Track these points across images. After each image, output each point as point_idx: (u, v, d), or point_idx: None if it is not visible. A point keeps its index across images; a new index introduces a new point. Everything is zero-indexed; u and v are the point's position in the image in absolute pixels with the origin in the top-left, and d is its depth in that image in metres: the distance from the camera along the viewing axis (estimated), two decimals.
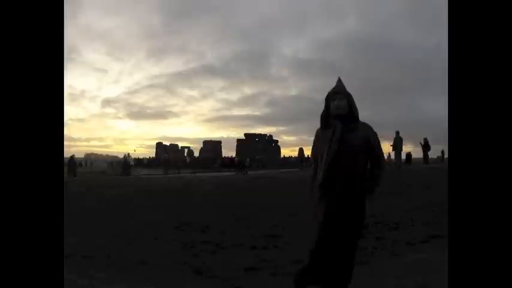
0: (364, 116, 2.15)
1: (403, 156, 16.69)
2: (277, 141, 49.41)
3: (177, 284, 2.78)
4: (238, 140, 47.07)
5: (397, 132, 13.50)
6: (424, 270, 2.62)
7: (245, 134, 47.45)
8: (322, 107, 2.15)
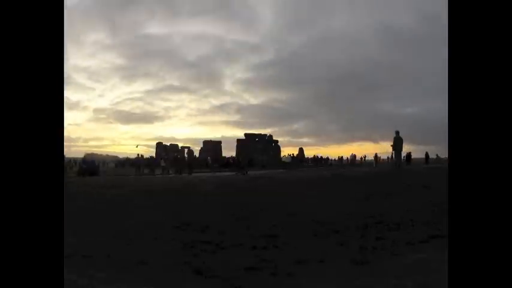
0: None
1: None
2: (277, 141, 49.39)
3: (177, 284, 2.78)
4: (238, 140, 47.03)
5: (397, 132, 13.45)
6: (424, 270, 2.62)
7: (245, 134, 47.42)
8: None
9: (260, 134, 48.26)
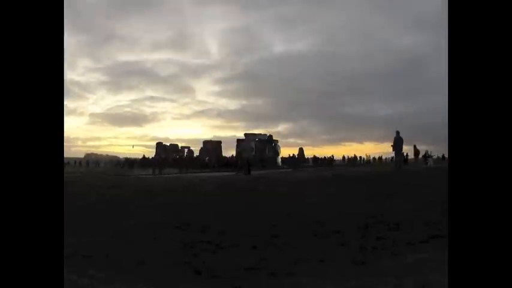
0: None
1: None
2: (277, 141, 49.37)
3: (177, 284, 2.78)
4: (238, 140, 47.02)
5: (397, 132, 13.46)
6: (424, 270, 2.62)
7: (245, 134, 47.39)
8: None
9: (260, 134, 48.22)
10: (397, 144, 13.41)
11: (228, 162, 32.35)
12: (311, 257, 3.41)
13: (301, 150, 46.73)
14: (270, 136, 48.85)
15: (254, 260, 3.40)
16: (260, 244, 4.00)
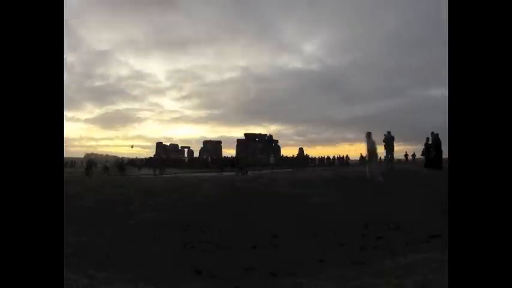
0: None
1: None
2: (277, 141, 49.37)
3: (177, 284, 2.78)
4: (238, 140, 47.03)
5: (389, 132, 13.36)
6: (424, 270, 2.62)
7: (245, 134, 47.39)
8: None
9: (260, 134, 48.22)
10: (388, 144, 13.31)
11: (228, 162, 32.34)
12: (311, 257, 3.41)
13: (301, 150, 46.71)
14: (270, 136, 48.82)
15: (254, 260, 3.40)
16: (260, 244, 4.00)
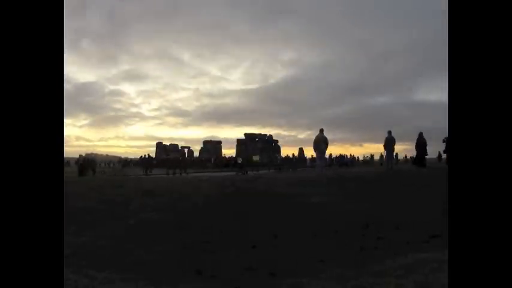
0: None
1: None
2: (277, 141, 49.37)
3: (177, 284, 2.78)
4: (238, 140, 47.04)
5: (389, 132, 13.21)
6: (424, 270, 2.62)
7: (245, 134, 47.39)
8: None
9: (260, 134, 48.21)
10: (389, 144, 13.22)
11: (229, 162, 32.36)
12: (311, 257, 3.41)
13: (301, 150, 46.71)
14: (270, 136, 48.81)
15: (254, 260, 3.40)
16: (260, 244, 4.00)
